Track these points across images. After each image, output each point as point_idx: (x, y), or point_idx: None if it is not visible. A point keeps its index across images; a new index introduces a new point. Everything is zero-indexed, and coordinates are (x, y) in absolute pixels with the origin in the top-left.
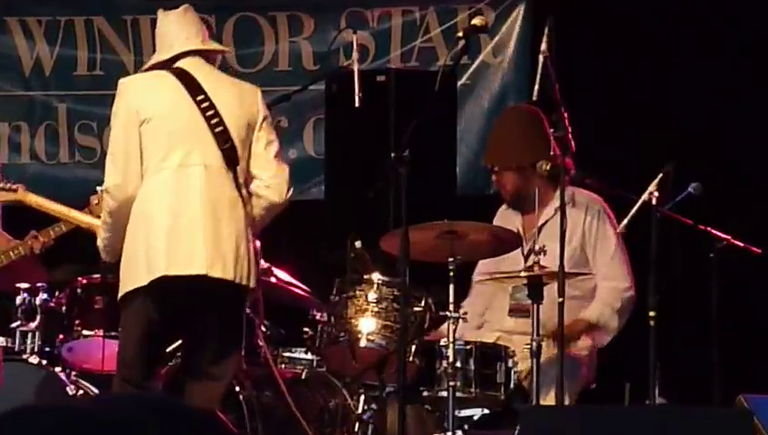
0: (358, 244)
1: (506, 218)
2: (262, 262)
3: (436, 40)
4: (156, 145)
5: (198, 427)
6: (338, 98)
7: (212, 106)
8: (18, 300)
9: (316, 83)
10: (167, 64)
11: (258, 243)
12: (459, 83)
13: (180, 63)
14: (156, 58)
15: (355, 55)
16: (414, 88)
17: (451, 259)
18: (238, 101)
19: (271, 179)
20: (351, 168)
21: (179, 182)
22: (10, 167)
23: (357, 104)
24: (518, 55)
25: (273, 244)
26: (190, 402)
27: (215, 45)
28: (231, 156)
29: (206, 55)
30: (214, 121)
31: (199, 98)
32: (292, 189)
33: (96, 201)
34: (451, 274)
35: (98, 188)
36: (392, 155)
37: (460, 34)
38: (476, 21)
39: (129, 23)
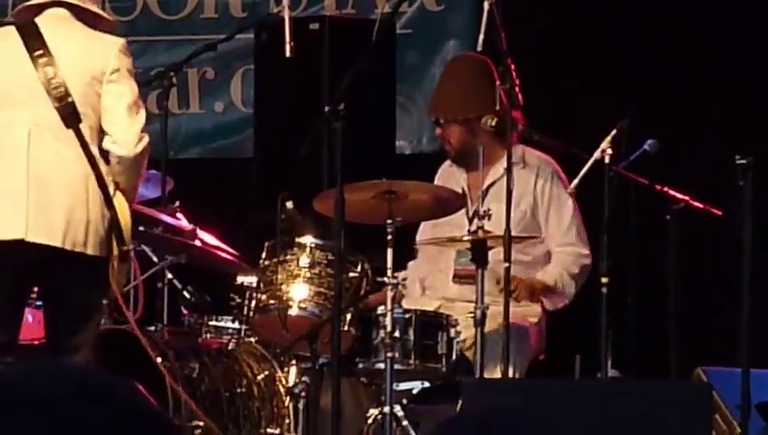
0: (289, 204)
1: (450, 176)
2: (185, 223)
3: None
4: None
5: (119, 402)
6: (268, 47)
7: (51, 62)
8: None
9: (244, 32)
10: (34, 10)
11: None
12: (398, 32)
13: (45, 13)
14: (27, 3)
15: (286, 2)
16: (350, 37)
17: (390, 221)
18: (86, 54)
19: (118, 134)
20: (282, 122)
21: (2, 143)
22: None
23: (288, 54)
24: (462, 2)
25: (198, 204)
26: None
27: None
28: (69, 114)
29: (76, 10)
30: (50, 78)
31: (38, 53)
32: (146, 141)
33: None
34: (389, 237)
35: None
36: (326, 109)
37: None
38: None
39: None
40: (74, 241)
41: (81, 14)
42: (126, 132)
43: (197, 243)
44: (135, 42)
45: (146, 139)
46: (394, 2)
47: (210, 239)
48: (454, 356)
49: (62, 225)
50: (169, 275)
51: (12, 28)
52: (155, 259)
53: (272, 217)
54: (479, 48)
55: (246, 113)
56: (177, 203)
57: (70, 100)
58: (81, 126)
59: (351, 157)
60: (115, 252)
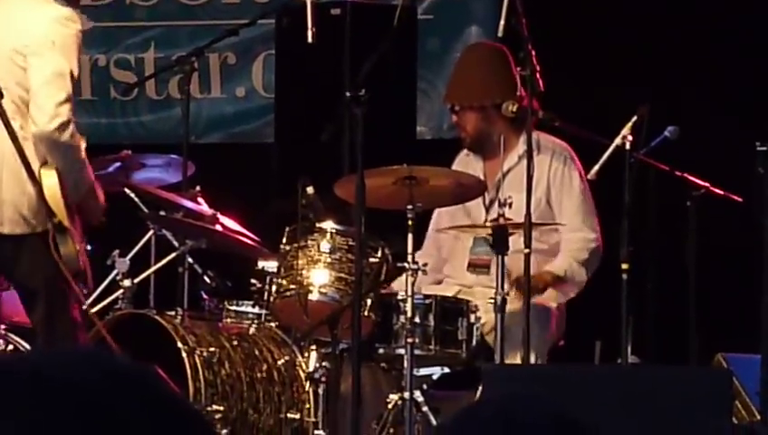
0: (310, 190)
1: (466, 164)
2: (205, 208)
3: None
4: None
5: (145, 389)
6: (289, 33)
7: None
8: None
9: (266, 17)
10: None
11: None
12: (419, 17)
13: None
14: None
15: None
16: (371, 22)
17: (410, 207)
18: (13, 27)
19: (33, 109)
20: (303, 108)
21: None
22: None
23: (310, 40)
24: None
25: (219, 189)
26: None
27: None
28: None
29: None
30: None
31: None
32: (62, 118)
33: None
34: (410, 222)
35: None
36: (347, 94)
37: None
38: None
39: None
40: None
41: None
42: (41, 108)
43: (218, 228)
44: (157, 26)
45: (63, 116)
46: None
47: (231, 224)
48: (474, 342)
49: None
50: (190, 260)
51: None
52: (175, 244)
53: (292, 202)
54: (500, 34)
55: (267, 98)
56: (198, 188)
57: None
58: (3, 102)
59: (372, 142)
60: (49, 226)
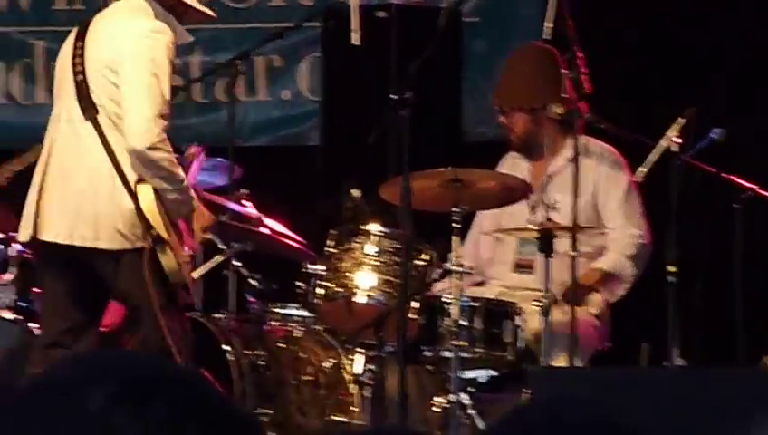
0: (356, 192)
1: (513, 166)
2: (252, 210)
3: None
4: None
5: (191, 391)
6: (335, 35)
7: (80, 54)
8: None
9: (312, 20)
10: None
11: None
12: (465, 20)
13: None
14: None
15: None
16: (417, 24)
17: (456, 209)
18: (106, 42)
19: (125, 126)
20: (349, 110)
21: (46, 139)
22: None
23: (355, 42)
24: None
25: (265, 192)
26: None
27: None
28: (86, 105)
29: None
30: (78, 69)
31: (78, 44)
32: (152, 135)
33: None
34: (455, 224)
35: None
36: (393, 97)
37: None
38: None
39: None
40: (83, 237)
41: None
42: (131, 126)
43: (264, 230)
44: (203, 30)
45: (154, 133)
46: None
47: (277, 227)
48: (519, 344)
49: (68, 221)
50: (236, 263)
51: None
52: (222, 247)
53: (338, 205)
54: (546, 36)
55: (313, 101)
56: (244, 191)
57: (85, 91)
58: (99, 117)
59: (418, 145)
60: (148, 241)
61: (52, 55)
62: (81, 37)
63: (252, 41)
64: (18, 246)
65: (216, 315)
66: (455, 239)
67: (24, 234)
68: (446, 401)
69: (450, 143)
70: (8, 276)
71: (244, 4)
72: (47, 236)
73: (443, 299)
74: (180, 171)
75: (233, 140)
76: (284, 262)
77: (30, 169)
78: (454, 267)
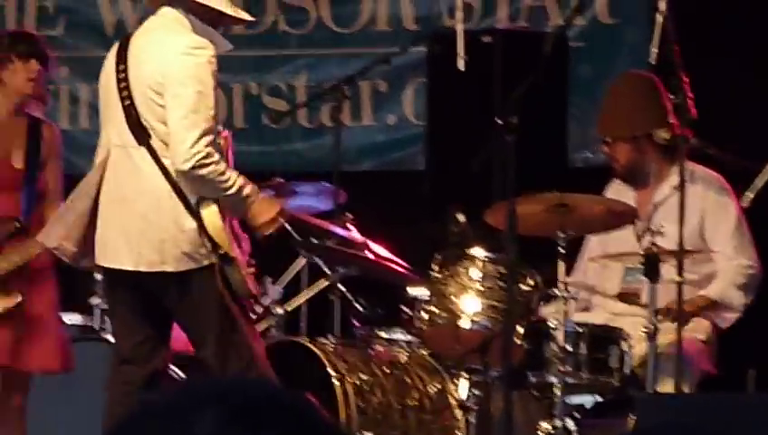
0: (461, 217)
1: (618, 193)
2: (357, 235)
3: None
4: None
5: (297, 415)
6: (440, 60)
7: (125, 77)
8: (97, 275)
9: (417, 45)
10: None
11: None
12: (571, 45)
13: (157, 13)
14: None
15: (459, 15)
16: (522, 50)
17: (561, 234)
18: (148, 64)
19: (171, 147)
20: (454, 135)
21: (95, 164)
22: (90, 132)
23: (461, 67)
24: (635, 15)
25: (370, 216)
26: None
27: None
28: (137, 130)
29: (189, 5)
30: (124, 93)
31: (120, 67)
32: (199, 156)
33: None
34: (561, 250)
35: None
36: (498, 122)
37: None
38: None
39: None
40: (150, 262)
41: (191, 7)
42: (176, 149)
43: (369, 255)
44: (308, 55)
45: (199, 153)
46: (567, 15)
47: (382, 251)
48: (626, 370)
49: (132, 247)
50: (341, 287)
51: (120, 41)
52: (327, 271)
53: (443, 229)
54: (652, 61)
55: (418, 126)
56: (349, 215)
57: (135, 116)
58: (152, 141)
59: (523, 169)
60: (214, 259)
61: None
62: (122, 59)
63: (357, 65)
64: None
65: (322, 340)
66: (560, 264)
67: (56, 244)
68: (551, 427)
69: (555, 168)
70: None
71: (349, 29)
72: (113, 263)
73: (548, 324)
74: (231, 176)
75: (338, 165)
76: (389, 286)
77: None
78: (559, 292)
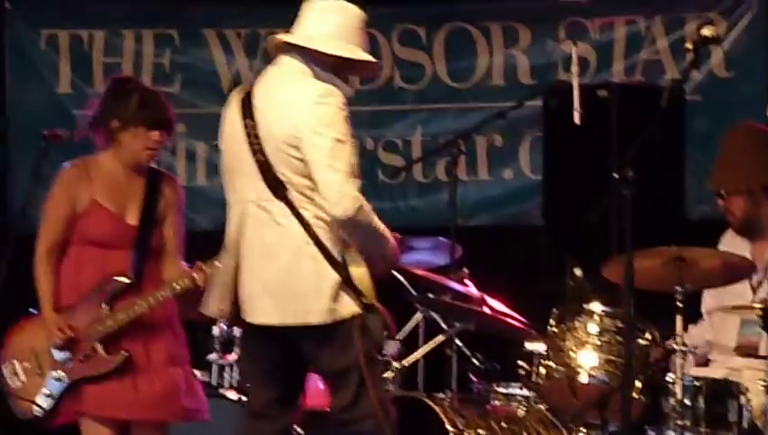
0: (578, 271)
1: (733, 245)
2: (473, 290)
3: (662, 52)
4: (225, 178)
5: None
6: (556, 114)
7: (254, 130)
8: (215, 331)
9: (533, 99)
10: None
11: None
12: (687, 98)
13: (278, 62)
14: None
15: (575, 68)
16: (638, 103)
17: (679, 288)
18: (278, 116)
19: (322, 199)
20: (571, 189)
21: (231, 220)
22: (207, 188)
23: (577, 121)
24: (752, 68)
25: (486, 271)
26: None
27: (293, 38)
28: (273, 184)
29: (311, 54)
30: (256, 148)
31: (247, 122)
32: (348, 199)
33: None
34: (679, 304)
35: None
36: (615, 175)
37: (689, 46)
38: (706, 31)
39: None
40: (295, 314)
41: (314, 56)
42: (327, 197)
43: (486, 310)
44: (424, 110)
45: (349, 196)
46: (683, 68)
47: (498, 306)
48: (745, 424)
49: (276, 301)
50: (458, 342)
51: (239, 91)
52: (444, 326)
53: (560, 284)
54: None
55: (535, 180)
56: (466, 270)
57: (270, 171)
58: (289, 193)
59: (640, 223)
60: (358, 309)
61: None
62: (248, 113)
63: (473, 120)
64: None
65: (439, 395)
66: (678, 319)
67: (216, 311)
68: None
69: (673, 222)
70: (232, 356)
71: (464, 84)
72: (259, 319)
73: (667, 379)
74: (381, 224)
75: (454, 220)
76: (506, 341)
77: None
78: (677, 347)
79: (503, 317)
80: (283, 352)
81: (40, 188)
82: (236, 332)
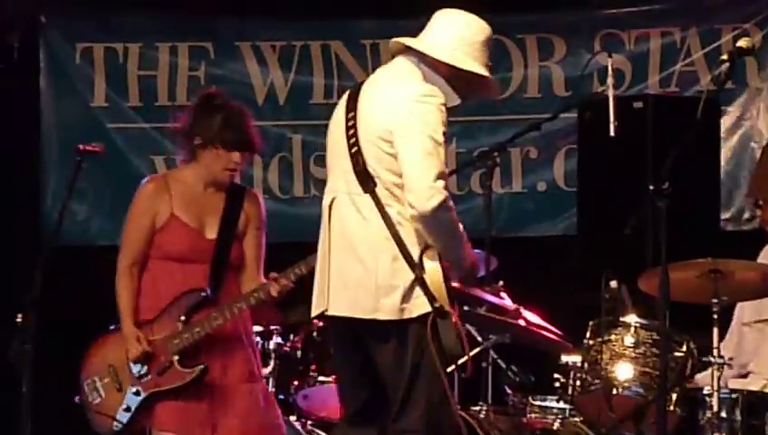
0: (613, 283)
1: None
2: (508, 302)
3: (698, 63)
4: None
5: None
6: (591, 126)
7: (353, 125)
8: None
9: (568, 111)
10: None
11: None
12: (723, 110)
13: (392, 61)
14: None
15: (610, 80)
16: (674, 115)
17: (715, 300)
18: (377, 111)
19: (407, 193)
20: (606, 201)
21: (323, 210)
22: None
23: (612, 133)
24: None
25: (522, 283)
26: None
27: (411, 42)
28: (363, 177)
29: (427, 59)
30: (352, 141)
31: (350, 115)
32: (439, 196)
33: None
34: (715, 316)
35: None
36: (650, 187)
37: (724, 57)
38: (742, 42)
39: (368, 47)
40: (364, 308)
41: (429, 62)
42: (415, 191)
43: (521, 322)
44: (459, 122)
45: (439, 194)
46: (719, 79)
47: (534, 318)
48: None
49: (349, 293)
50: (493, 355)
51: (350, 90)
52: (479, 339)
53: (596, 296)
54: None
55: (569, 192)
56: (501, 282)
57: (361, 164)
58: (377, 189)
59: (676, 235)
60: (428, 311)
61: (308, 149)
62: (352, 108)
63: (507, 132)
64: (278, 339)
65: (474, 408)
66: (714, 331)
67: (315, 310)
68: None
69: (709, 233)
70: (268, 369)
71: (499, 97)
72: (330, 309)
73: (703, 391)
74: (460, 228)
75: (489, 232)
76: (542, 354)
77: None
78: (713, 359)
79: (538, 330)
80: (361, 350)
81: (74, 201)
82: (272, 344)
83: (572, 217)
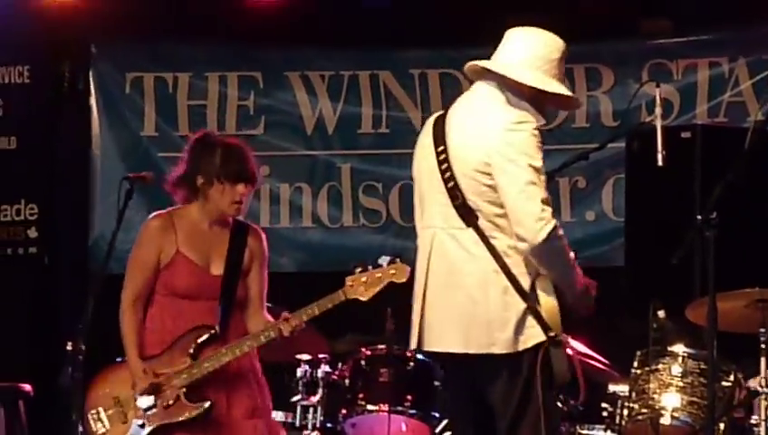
0: (661, 313)
1: None
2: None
3: (746, 94)
4: (416, 205)
5: None
6: (639, 156)
7: (445, 157)
8: (299, 372)
9: (616, 141)
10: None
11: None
12: None
13: (471, 88)
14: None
15: (658, 110)
16: (722, 145)
17: (762, 330)
18: (469, 143)
19: (515, 226)
20: (654, 231)
21: (420, 247)
22: (291, 230)
23: (660, 163)
24: None
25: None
26: None
27: (491, 65)
28: (464, 211)
29: (506, 81)
30: (447, 175)
31: (440, 148)
32: (548, 226)
33: (351, 283)
34: (762, 345)
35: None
36: (698, 217)
37: None
38: None
39: (416, 77)
40: (479, 344)
41: (509, 84)
42: (522, 224)
43: (569, 351)
44: None
45: (547, 223)
46: (767, 109)
47: (581, 348)
48: None
49: (461, 329)
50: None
51: (433, 118)
52: None
53: (643, 326)
54: None
55: (617, 222)
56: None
57: (460, 198)
58: (480, 222)
59: (723, 265)
60: (542, 340)
61: (357, 178)
62: (441, 140)
63: (555, 162)
64: (326, 368)
65: None
66: (762, 360)
67: (413, 344)
68: None
69: (756, 263)
70: (316, 398)
71: (547, 126)
72: (440, 347)
73: (750, 421)
74: (570, 254)
75: None
76: (589, 383)
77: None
78: (761, 389)
79: (585, 359)
80: (473, 385)
81: (121, 231)
82: (320, 373)
83: (620, 246)
